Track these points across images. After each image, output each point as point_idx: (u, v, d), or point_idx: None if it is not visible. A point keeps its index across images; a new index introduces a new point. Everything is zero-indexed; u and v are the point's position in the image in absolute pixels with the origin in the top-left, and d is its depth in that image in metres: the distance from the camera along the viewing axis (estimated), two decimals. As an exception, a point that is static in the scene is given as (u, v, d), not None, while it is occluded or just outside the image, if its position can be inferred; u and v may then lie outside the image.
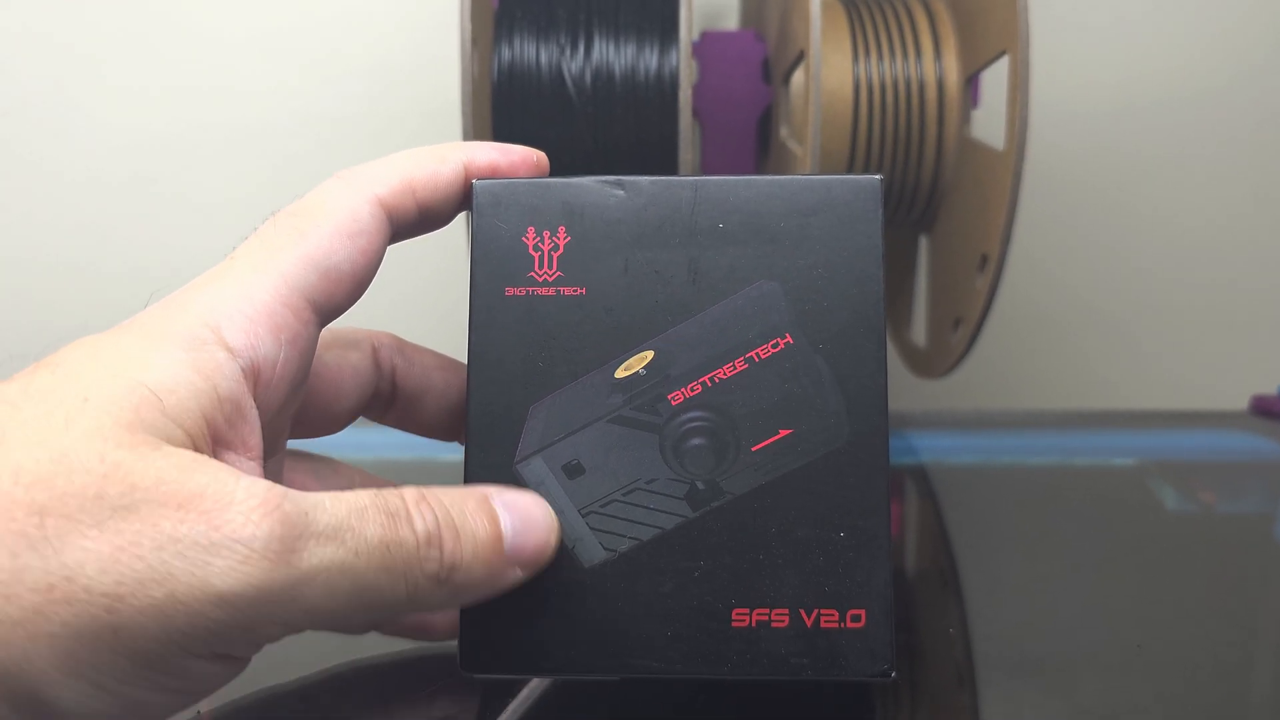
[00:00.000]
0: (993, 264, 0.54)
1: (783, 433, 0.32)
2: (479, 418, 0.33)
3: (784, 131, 0.58)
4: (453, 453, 0.56)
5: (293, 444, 0.36)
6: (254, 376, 0.29)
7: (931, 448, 0.62)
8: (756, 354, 0.32)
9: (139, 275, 0.80)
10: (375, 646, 0.37)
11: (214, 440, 0.28)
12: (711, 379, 0.32)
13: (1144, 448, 0.64)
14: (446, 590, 0.29)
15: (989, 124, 0.58)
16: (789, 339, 0.32)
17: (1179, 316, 0.79)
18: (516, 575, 0.31)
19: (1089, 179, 0.78)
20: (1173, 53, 0.76)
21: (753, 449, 0.32)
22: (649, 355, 0.32)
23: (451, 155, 0.33)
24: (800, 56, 0.52)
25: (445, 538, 0.29)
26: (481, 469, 0.32)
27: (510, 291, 0.33)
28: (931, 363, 0.63)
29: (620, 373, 0.32)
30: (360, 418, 0.37)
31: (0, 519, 0.24)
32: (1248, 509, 0.56)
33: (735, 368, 0.32)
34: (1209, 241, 0.79)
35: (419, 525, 0.28)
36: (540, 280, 0.33)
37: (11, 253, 0.80)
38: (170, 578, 0.25)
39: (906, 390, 0.73)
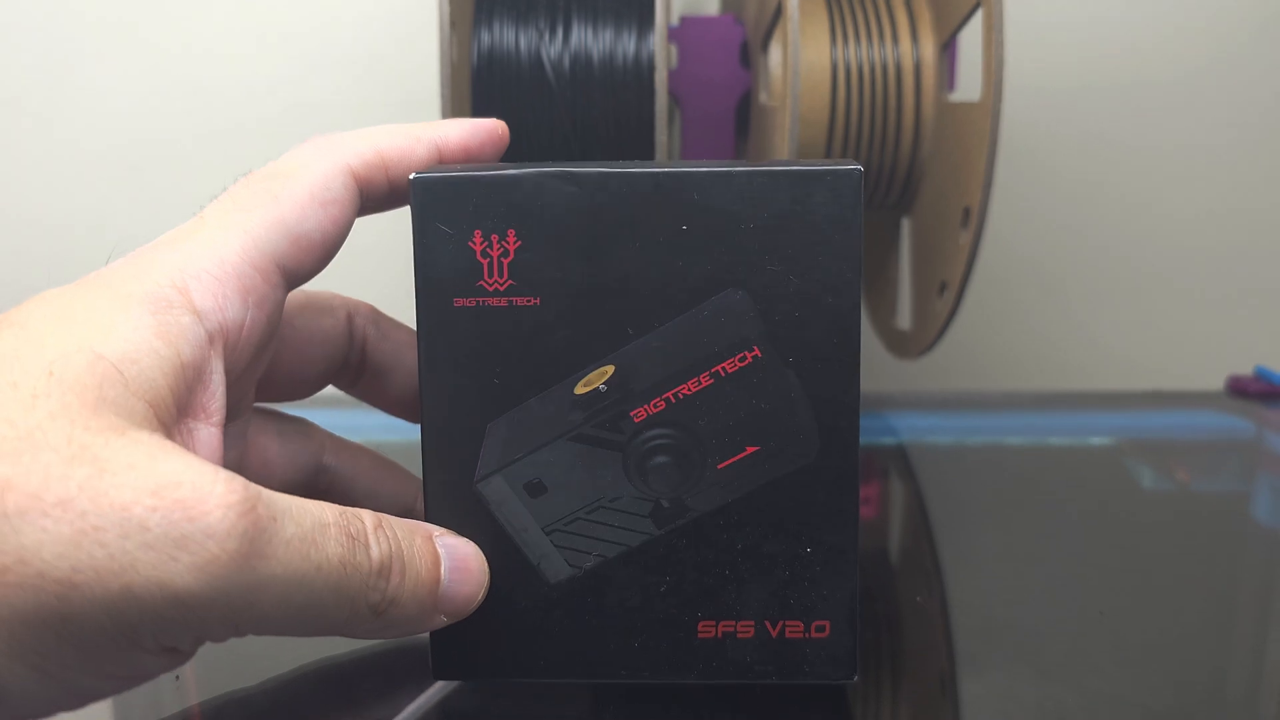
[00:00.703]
0: (975, 216, 0.52)
1: (750, 450, 0.31)
2: (434, 435, 0.31)
3: (763, 96, 0.58)
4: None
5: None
6: (221, 339, 0.28)
7: (911, 427, 0.62)
8: (723, 369, 0.30)
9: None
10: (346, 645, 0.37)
11: (176, 408, 0.27)
12: (676, 395, 0.30)
13: (1121, 427, 0.63)
14: (379, 623, 0.28)
15: (965, 94, 0.57)
16: (757, 352, 0.30)
17: (1156, 300, 0.79)
18: (440, 621, 0.30)
19: (1064, 163, 0.77)
20: (1147, 31, 0.75)
21: (719, 466, 0.31)
22: (609, 370, 0.31)
23: (425, 134, 0.33)
24: (779, 11, 0.51)
25: (394, 570, 0.28)
26: (440, 487, 0.31)
27: (459, 303, 0.31)
28: (915, 337, 0.62)
29: (580, 389, 0.31)
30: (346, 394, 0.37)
31: None
32: (1223, 487, 0.55)
33: (700, 383, 0.30)
34: (1185, 227, 0.78)
35: (375, 553, 0.28)
36: (491, 289, 0.30)
37: (8, 242, 0.79)
38: (130, 569, 0.23)
39: (886, 372, 0.72)
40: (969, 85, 0.57)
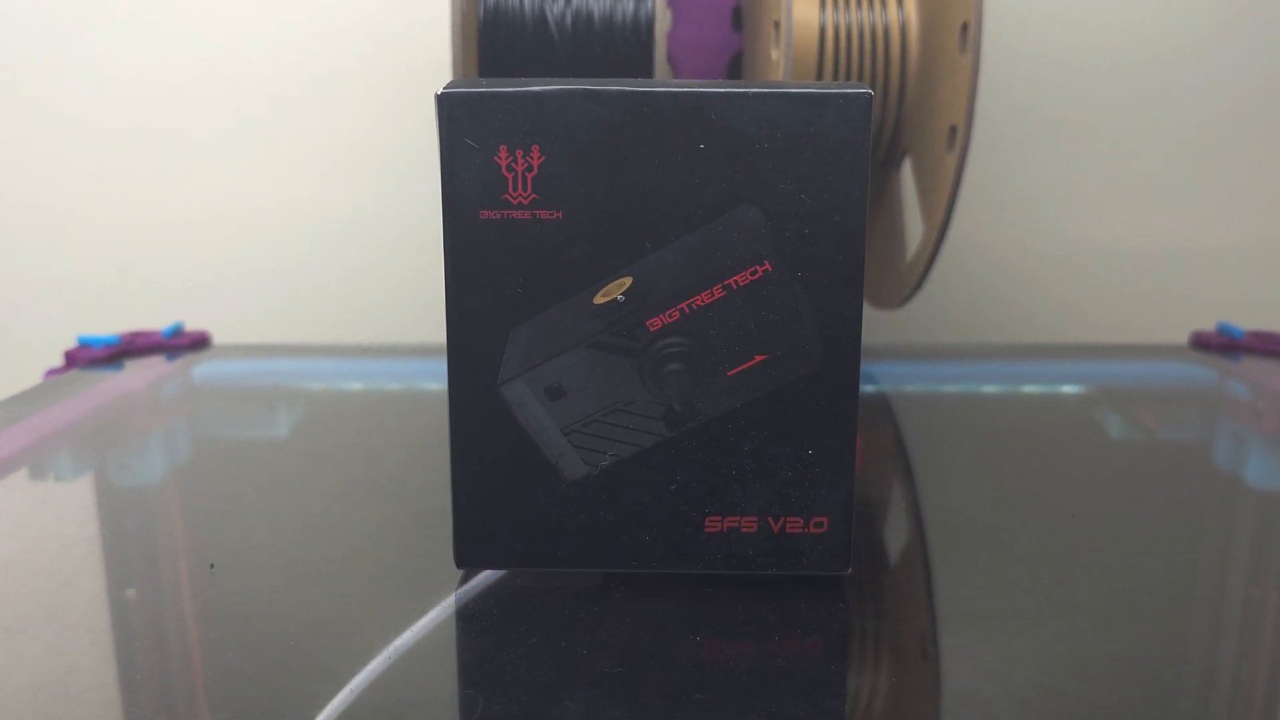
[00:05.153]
0: (972, 30, 0.52)
1: (758, 358, 0.31)
2: (459, 341, 0.31)
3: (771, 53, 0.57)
4: (436, 382, 0.55)
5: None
6: None
7: (891, 375, 0.62)
8: (735, 281, 0.30)
9: (132, 222, 0.78)
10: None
11: None
12: (689, 305, 0.31)
13: (1091, 376, 0.63)
14: None
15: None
16: (767, 266, 0.30)
17: (1126, 263, 0.79)
18: None
19: (1040, 124, 0.77)
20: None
21: (728, 374, 0.31)
22: (627, 282, 0.31)
23: None
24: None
25: None
26: (464, 390, 0.31)
27: (485, 215, 0.30)
28: (931, 190, 0.60)
29: (599, 299, 0.31)
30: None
31: None
32: (1187, 431, 0.55)
33: (713, 295, 0.30)
34: (1155, 201, 0.78)
35: None
36: (515, 203, 0.30)
37: (14, 198, 0.78)
38: None
39: (867, 326, 0.72)
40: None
